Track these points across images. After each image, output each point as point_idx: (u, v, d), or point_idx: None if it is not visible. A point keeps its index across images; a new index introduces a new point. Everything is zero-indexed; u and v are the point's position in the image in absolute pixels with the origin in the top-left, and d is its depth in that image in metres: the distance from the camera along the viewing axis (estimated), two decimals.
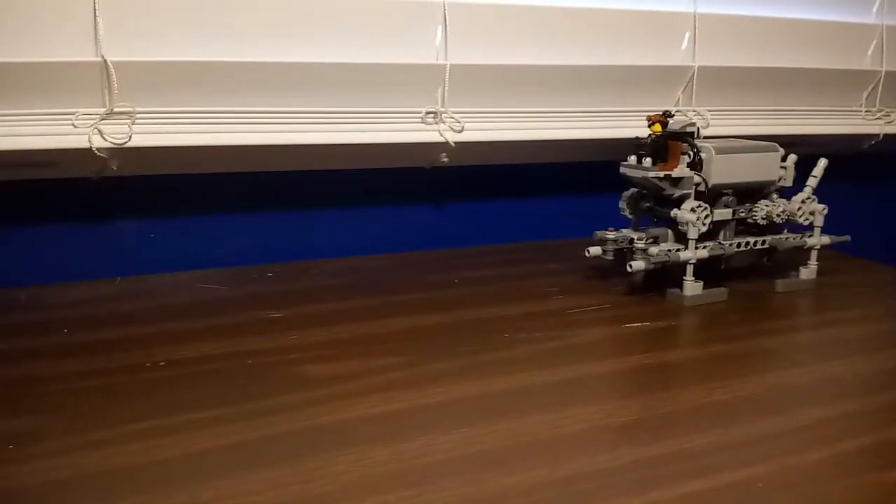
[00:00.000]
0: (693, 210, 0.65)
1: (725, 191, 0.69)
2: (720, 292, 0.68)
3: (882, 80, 0.98)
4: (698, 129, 0.68)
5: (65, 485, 0.38)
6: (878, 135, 1.00)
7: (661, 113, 0.66)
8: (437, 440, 0.43)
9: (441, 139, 0.78)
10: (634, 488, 0.38)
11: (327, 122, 0.74)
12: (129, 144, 0.67)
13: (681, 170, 0.66)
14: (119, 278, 0.71)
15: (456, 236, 0.88)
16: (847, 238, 0.76)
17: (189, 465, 0.40)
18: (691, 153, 0.67)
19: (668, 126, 0.66)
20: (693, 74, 0.88)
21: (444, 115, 0.78)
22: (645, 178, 0.66)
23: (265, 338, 0.58)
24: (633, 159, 0.67)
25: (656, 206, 0.69)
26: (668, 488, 0.38)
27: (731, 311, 0.66)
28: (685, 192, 0.67)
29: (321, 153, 0.77)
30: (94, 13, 0.65)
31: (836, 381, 0.52)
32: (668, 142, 0.66)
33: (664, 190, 0.66)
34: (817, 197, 0.72)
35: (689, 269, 0.67)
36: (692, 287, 0.67)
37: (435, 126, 0.78)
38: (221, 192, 0.79)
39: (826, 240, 0.73)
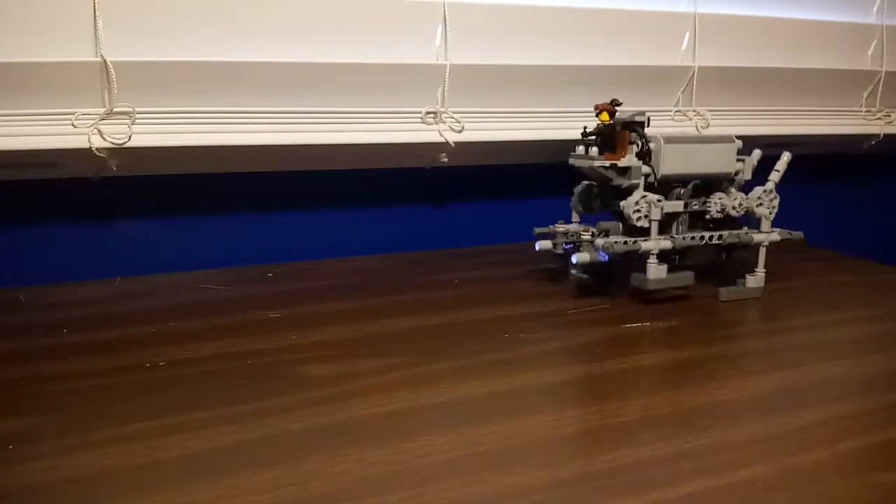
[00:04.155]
0: (642, 199, 0.64)
1: (681, 183, 0.67)
2: (685, 276, 0.67)
3: (882, 80, 0.98)
4: (648, 118, 0.66)
5: (65, 485, 0.38)
6: (878, 135, 1.00)
7: (608, 102, 0.64)
8: (437, 440, 0.43)
9: (441, 139, 0.78)
10: (634, 488, 0.38)
11: (327, 122, 0.74)
12: (129, 144, 0.67)
13: (628, 159, 0.65)
14: (119, 278, 0.71)
15: (456, 236, 0.88)
16: (800, 235, 0.71)
17: (189, 465, 0.40)
18: (640, 143, 0.65)
19: (617, 115, 0.64)
20: (693, 74, 0.88)
21: (443, 115, 0.78)
22: (591, 168, 0.65)
23: (265, 338, 0.58)
24: (581, 149, 0.66)
25: (607, 199, 0.68)
26: (668, 488, 0.38)
27: (729, 311, 0.66)
28: (633, 182, 0.65)
29: (321, 153, 0.77)
30: (94, 13, 0.65)
31: (836, 382, 0.52)
32: (615, 131, 0.64)
33: (612, 180, 0.65)
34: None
35: (651, 255, 0.65)
36: (656, 270, 0.65)
37: (435, 126, 0.78)
38: (221, 192, 0.79)
39: (776, 236, 0.70)
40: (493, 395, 0.49)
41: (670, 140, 0.66)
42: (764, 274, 0.70)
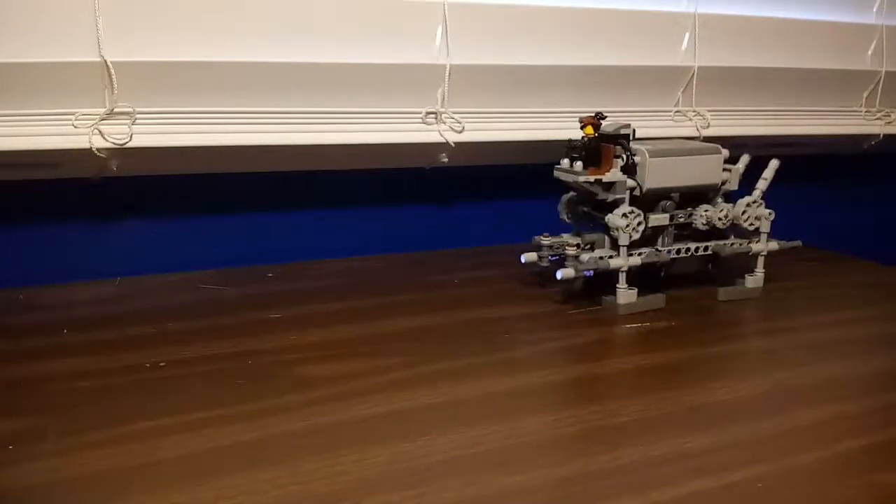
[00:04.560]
0: (625, 216, 0.63)
1: (671, 195, 0.66)
2: (657, 299, 0.66)
3: (882, 80, 0.98)
4: (633, 130, 0.65)
5: (65, 485, 0.38)
6: (878, 135, 1.00)
7: (593, 115, 0.63)
8: (437, 440, 0.43)
9: (441, 139, 0.78)
10: (634, 488, 0.38)
11: (327, 122, 0.74)
12: (130, 145, 0.67)
13: (613, 174, 0.63)
14: (119, 278, 0.71)
15: (456, 236, 0.88)
16: (798, 243, 0.72)
17: (189, 465, 0.40)
18: (625, 156, 0.64)
19: (602, 128, 0.63)
20: (693, 74, 0.88)
21: (444, 115, 0.78)
22: (576, 183, 0.64)
23: (265, 338, 0.58)
24: (565, 163, 0.65)
25: (593, 211, 0.67)
26: (668, 488, 0.38)
27: (729, 311, 0.66)
28: (618, 196, 0.64)
29: (321, 153, 0.77)
30: (96, 13, 0.65)
31: (836, 382, 0.52)
32: (600, 145, 0.63)
33: (597, 195, 0.64)
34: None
35: (622, 276, 0.64)
36: (625, 295, 0.64)
37: (435, 126, 0.78)
38: (221, 192, 0.79)
39: (774, 245, 0.70)
40: (493, 395, 0.49)
41: (655, 153, 0.65)
42: (763, 274, 0.70)
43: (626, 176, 0.64)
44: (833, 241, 0.89)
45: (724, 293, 0.69)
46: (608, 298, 0.66)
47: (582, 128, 0.63)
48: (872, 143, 1.01)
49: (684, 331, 0.61)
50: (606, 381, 0.52)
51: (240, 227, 0.81)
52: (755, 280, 0.70)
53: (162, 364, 0.53)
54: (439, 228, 0.89)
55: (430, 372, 0.52)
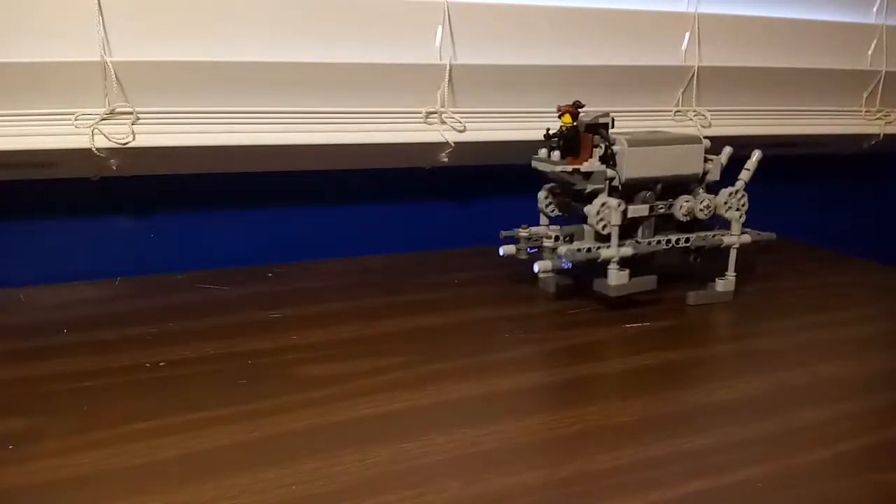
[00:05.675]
0: (604, 205, 0.62)
1: (653, 185, 0.65)
2: (649, 280, 0.65)
3: (882, 80, 0.98)
4: (612, 120, 0.63)
5: (65, 485, 0.38)
6: (878, 135, 1.00)
7: (571, 104, 0.62)
8: (437, 440, 0.43)
9: (441, 139, 0.78)
10: (634, 488, 0.38)
11: (327, 122, 0.74)
12: (131, 144, 0.67)
13: (591, 163, 0.63)
14: (119, 278, 0.71)
15: (456, 236, 0.88)
16: (772, 236, 0.70)
17: (189, 465, 0.40)
18: (603, 146, 0.63)
19: (580, 117, 0.62)
20: (693, 74, 0.88)
21: (444, 115, 0.78)
22: (554, 173, 0.63)
23: (265, 338, 0.58)
24: (543, 152, 0.64)
25: (573, 202, 0.66)
26: (668, 489, 0.38)
27: (728, 311, 0.66)
28: (597, 186, 0.63)
29: (322, 153, 0.77)
30: (100, 13, 0.65)
31: (836, 382, 0.52)
32: (578, 134, 0.62)
33: (575, 185, 0.63)
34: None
35: (613, 261, 0.64)
36: (617, 276, 0.63)
37: (435, 126, 0.78)
38: (221, 192, 0.79)
39: (747, 238, 0.68)
40: (493, 395, 0.49)
41: (634, 142, 0.64)
42: (734, 277, 0.68)
43: (604, 165, 0.63)
44: (833, 241, 0.89)
45: (693, 297, 0.67)
46: (600, 281, 0.65)
47: (559, 116, 0.62)
48: (872, 143, 1.01)
49: (684, 331, 0.61)
50: (606, 381, 0.52)
51: (240, 226, 0.81)
52: (726, 284, 0.68)
53: (162, 364, 0.53)
54: (440, 228, 0.89)
55: (431, 372, 0.52)
